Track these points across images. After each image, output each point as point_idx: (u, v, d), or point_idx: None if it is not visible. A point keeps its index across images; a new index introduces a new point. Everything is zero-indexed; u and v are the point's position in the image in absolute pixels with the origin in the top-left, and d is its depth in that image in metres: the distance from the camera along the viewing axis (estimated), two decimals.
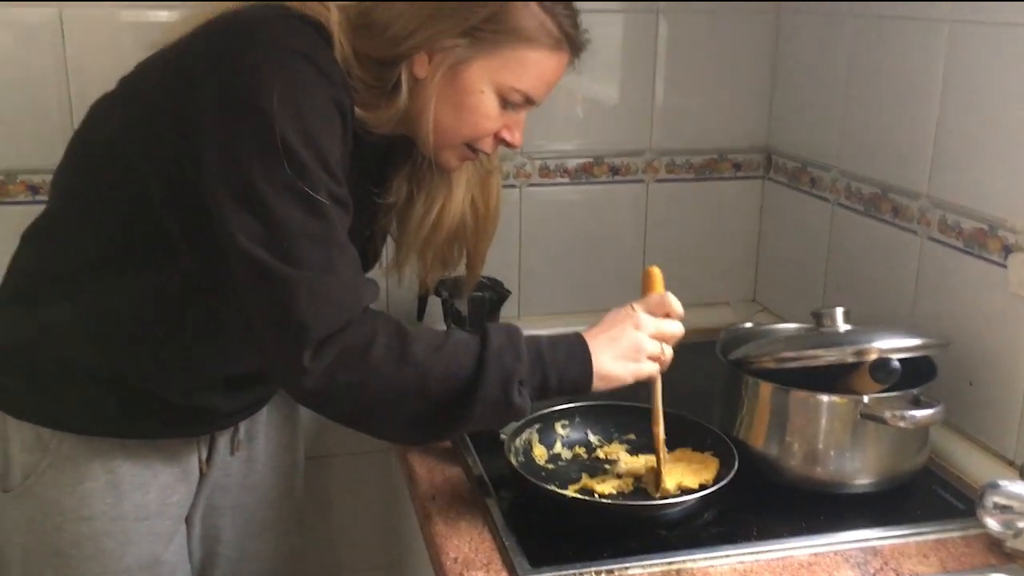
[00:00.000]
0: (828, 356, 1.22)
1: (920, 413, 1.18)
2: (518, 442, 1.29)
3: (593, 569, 1.09)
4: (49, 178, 1.49)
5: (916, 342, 1.24)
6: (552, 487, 1.19)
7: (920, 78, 1.42)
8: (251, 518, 1.43)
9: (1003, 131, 1.28)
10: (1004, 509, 1.03)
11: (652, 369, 1.16)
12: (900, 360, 1.20)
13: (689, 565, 1.11)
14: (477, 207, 1.34)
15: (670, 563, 1.11)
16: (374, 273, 1.39)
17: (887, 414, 1.18)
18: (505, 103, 1.17)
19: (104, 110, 1.18)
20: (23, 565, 1.24)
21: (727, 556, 1.12)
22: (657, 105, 1.78)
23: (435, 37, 1.11)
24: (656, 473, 1.22)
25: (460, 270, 1.52)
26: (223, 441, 1.35)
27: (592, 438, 1.36)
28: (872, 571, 1.11)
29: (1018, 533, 1.05)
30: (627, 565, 1.10)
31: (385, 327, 1.04)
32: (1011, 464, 1.28)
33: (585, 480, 1.26)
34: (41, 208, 1.24)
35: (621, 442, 1.36)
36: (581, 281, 1.83)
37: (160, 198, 1.09)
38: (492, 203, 1.35)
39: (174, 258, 1.11)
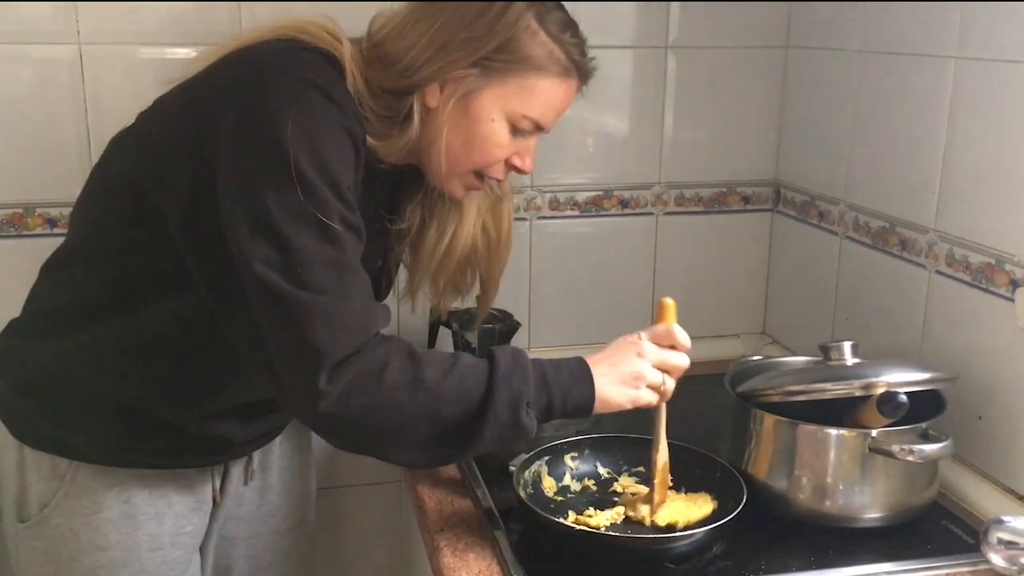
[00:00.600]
0: (836, 390, 1.22)
1: (929, 447, 1.18)
2: (527, 474, 1.29)
3: None
4: (67, 211, 1.53)
5: (924, 376, 1.24)
6: (560, 520, 1.20)
7: (927, 113, 1.43)
8: (264, 549, 1.43)
9: (1010, 166, 1.29)
10: (1009, 545, 1.03)
11: (650, 398, 1.17)
12: (908, 394, 1.20)
13: None
14: (489, 233, 1.36)
15: None
16: (388, 301, 1.41)
17: (895, 448, 1.18)
18: (515, 130, 1.19)
19: (122, 143, 1.20)
20: None
21: None
22: (666, 139, 1.80)
23: (446, 68, 1.14)
24: (650, 500, 1.23)
25: (470, 302, 1.55)
26: (236, 471, 1.36)
27: (601, 470, 1.36)
28: None
29: (1023, 569, 1.05)
30: None
31: (398, 351, 1.06)
32: (1021, 499, 1.28)
33: (577, 514, 1.25)
34: (59, 241, 1.27)
35: (630, 474, 1.36)
36: (591, 313, 1.83)
37: (177, 229, 1.10)
38: (504, 229, 1.37)
39: (190, 289, 1.13)
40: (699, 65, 1.78)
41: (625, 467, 1.37)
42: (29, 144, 1.53)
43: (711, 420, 1.38)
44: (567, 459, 1.36)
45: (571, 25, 1.20)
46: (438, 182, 1.23)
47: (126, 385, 1.19)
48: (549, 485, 1.32)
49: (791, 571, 1.16)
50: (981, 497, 1.32)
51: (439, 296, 1.40)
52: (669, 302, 1.22)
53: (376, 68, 1.15)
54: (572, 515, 1.25)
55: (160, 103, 1.19)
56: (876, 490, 1.23)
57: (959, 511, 1.31)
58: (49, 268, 1.26)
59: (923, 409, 1.24)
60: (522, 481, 1.26)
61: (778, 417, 1.25)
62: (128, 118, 1.22)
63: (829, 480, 1.23)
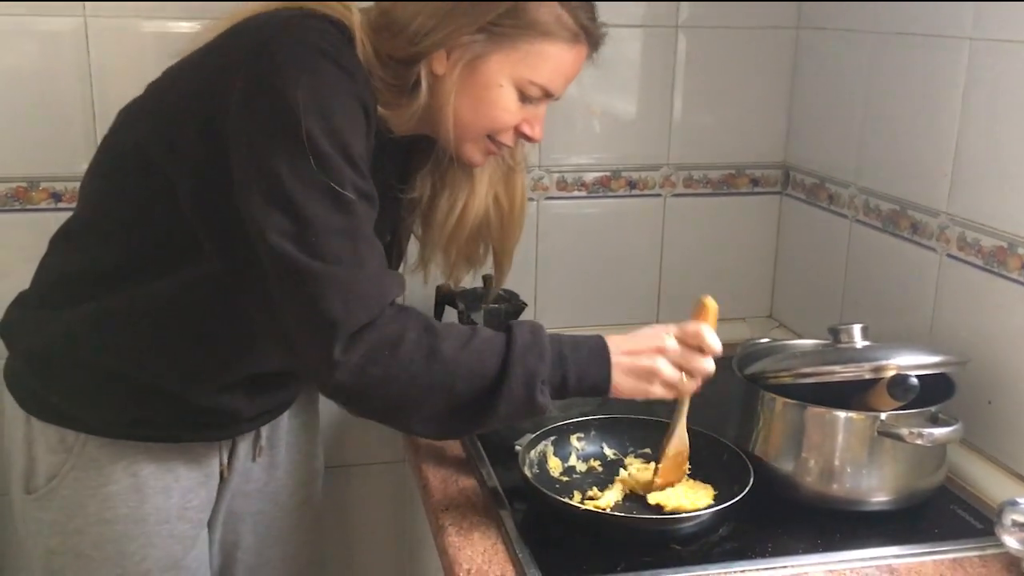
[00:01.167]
0: (845, 372, 1.22)
1: (938, 431, 1.18)
2: (533, 454, 1.29)
3: None
4: (72, 185, 1.53)
5: (934, 359, 1.23)
6: (566, 500, 1.19)
7: (940, 95, 1.42)
8: (271, 525, 1.44)
9: (1023, 149, 1.27)
10: (1023, 527, 1.02)
11: (661, 394, 1.15)
12: (918, 377, 1.19)
13: None
14: (501, 204, 1.35)
15: None
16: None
17: (904, 431, 1.17)
18: (524, 97, 1.18)
19: (132, 115, 1.19)
20: (45, 566, 1.25)
21: (741, 572, 1.12)
22: (675, 120, 1.79)
23: (453, 34, 1.13)
24: (652, 480, 1.23)
25: (477, 281, 1.54)
26: (244, 446, 1.35)
27: (607, 451, 1.36)
28: None
29: None
30: None
31: (415, 323, 1.06)
32: None
33: (583, 495, 1.26)
34: (64, 215, 1.26)
35: (637, 455, 1.35)
36: (597, 294, 1.83)
37: (188, 199, 1.10)
38: (517, 200, 1.36)
39: (200, 259, 1.13)
40: (709, 46, 1.77)
41: (631, 448, 1.36)
42: (34, 118, 1.53)
43: (718, 403, 1.37)
44: (573, 439, 1.35)
45: None
46: (451, 149, 1.22)
47: (135, 355, 1.19)
48: (555, 465, 1.31)
49: (797, 554, 1.16)
50: (990, 482, 1.31)
51: (450, 268, 1.39)
52: (710, 303, 1.19)
53: (384, 36, 1.14)
54: (577, 495, 1.24)
55: (169, 73, 1.18)
56: (884, 473, 1.22)
57: (967, 495, 1.30)
58: (59, 240, 1.26)
59: (932, 393, 1.23)
60: (527, 461, 1.26)
61: (786, 399, 1.25)
62: (133, 91, 1.21)
63: (837, 463, 1.22)
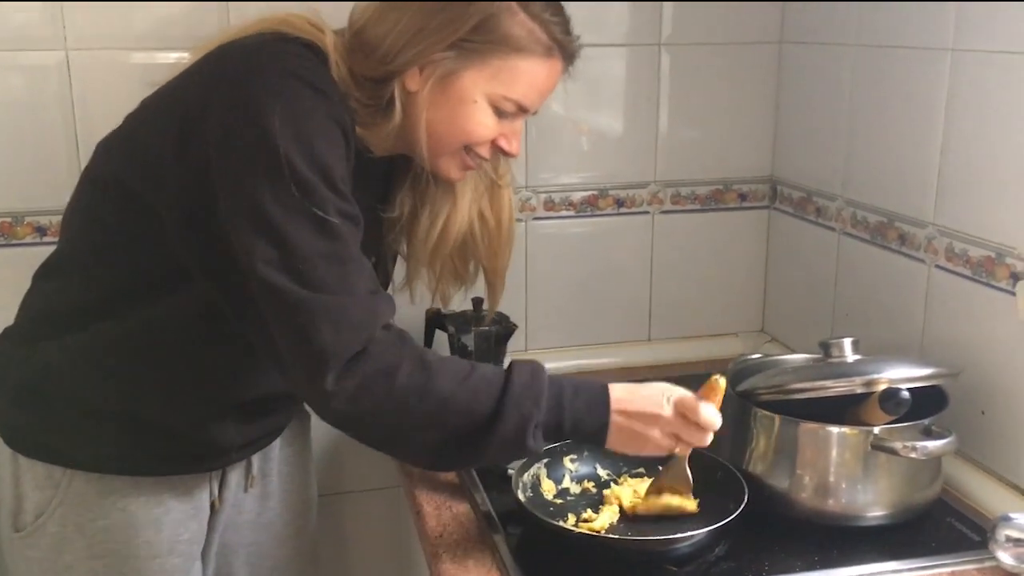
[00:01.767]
0: (837, 387, 1.21)
1: (932, 444, 1.17)
2: (526, 477, 1.28)
3: None
4: (57, 219, 1.52)
5: (926, 372, 1.23)
6: (560, 523, 1.18)
7: (923, 106, 1.42)
8: (265, 556, 1.42)
9: (1008, 158, 1.28)
10: (1017, 542, 1.02)
11: (655, 452, 1.16)
12: (910, 390, 1.19)
13: None
14: (486, 219, 1.34)
15: None
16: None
17: (898, 445, 1.17)
18: (499, 112, 1.18)
19: (110, 147, 1.19)
20: None
21: None
22: (661, 137, 1.79)
23: (424, 52, 1.13)
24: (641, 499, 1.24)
25: (467, 304, 1.53)
26: (235, 477, 1.34)
27: (601, 472, 1.35)
28: None
29: None
30: None
31: (410, 355, 1.06)
32: None
33: (577, 517, 1.25)
34: (50, 249, 1.25)
35: (632, 476, 1.34)
36: (588, 314, 1.82)
37: (176, 229, 1.10)
38: (504, 217, 1.35)
39: (186, 287, 1.12)
40: (693, 62, 1.77)
41: (625, 468, 1.36)
42: (18, 152, 1.52)
43: None
44: (566, 461, 1.35)
45: (553, 4, 1.17)
46: (427, 165, 1.22)
47: (121, 386, 1.18)
48: (548, 488, 1.31)
49: (795, 571, 1.15)
50: (986, 493, 1.31)
51: (436, 283, 1.38)
52: (719, 383, 1.16)
53: (358, 56, 1.14)
54: (572, 518, 1.23)
55: (146, 104, 1.18)
56: (879, 488, 1.22)
57: (964, 508, 1.30)
58: (42, 274, 1.25)
59: (925, 405, 1.22)
60: (521, 484, 1.25)
61: (779, 415, 1.24)
62: (116, 124, 1.21)
63: (832, 479, 1.22)
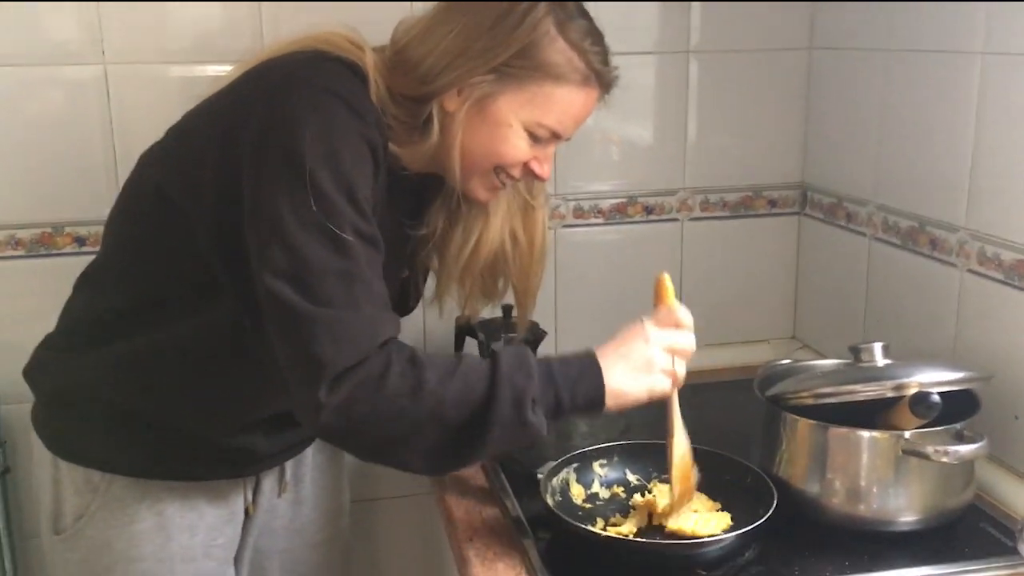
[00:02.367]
0: (867, 391, 1.20)
1: (964, 448, 1.16)
2: (555, 481, 1.28)
3: None
4: (95, 229, 1.55)
5: (957, 375, 1.22)
6: (588, 527, 1.19)
7: (954, 110, 1.41)
8: (299, 561, 1.44)
9: None
10: None
11: (665, 385, 1.14)
12: (941, 394, 1.18)
13: None
14: (518, 239, 1.34)
15: None
16: (416, 307, 1.42)
17: (930, 449, 1.16)
18: (533, 137, 1.18)
19: (152, 158, 1.22)
20: None
21: None
22: (690, 144, 1.79)
23: (465, 75, 1.13)
24: (671, 492, 1.22)
25: (496, 311, 1.54)
26: (268, 483, 1.36)
27: (631, 477, 1.35)
28: None
29: None
30: None
31: (399, 356, 1.05)
32: None
33: (606, 521, 1.25)
34: (88, 258, 1.28)
35: (661, 481, 1.34)
36: (618, 321, 1.78)
37: (206, 240, 1.12)
38: (536, 237, 1.35)
39: (219, 300, 1.14)
40: (722, 69, 1.77)
41: (655, 474, 1.35)
42: (58, 164, 1.56)
43: (741, 426, 1.37)
44: (596, 466, 1.35)
45: (594, 33, 1.18)
46: (458, 185, 1.23)
47: (156, 396, 1.20)
48: (577, 492, 1.31)
49: None
50: (1019, 498, 1.29)
51: (465, 299, 1.39)
52: (665, 278, 1.20)
53: (398, 75, 1.16)
54: (600, 522, 1.24)
55: (187, 117, 1.21)
56: (911, 493, 1.21)
57: (996, 513, 1.28)
58: (82, 283, 1.28)
59: (957, 410, 1.22)
60: (549, 488, 1.26)
61: (809, 420, 1.24)
62: (154, 136, 1.23)
63: (863, 483, 1.21)
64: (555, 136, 1.19)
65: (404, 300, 1.39)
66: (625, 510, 1.28)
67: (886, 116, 1.59)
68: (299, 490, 1.42)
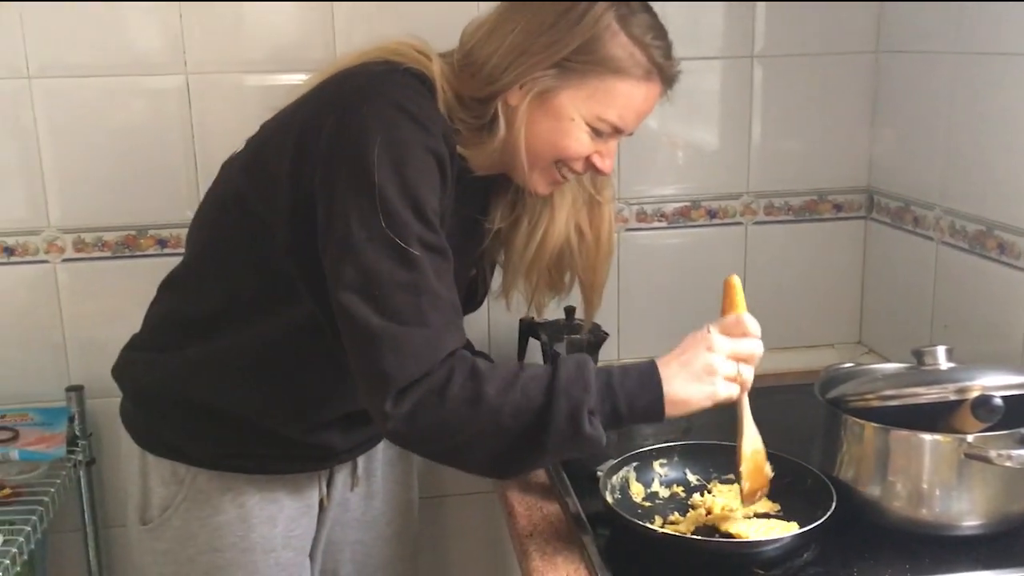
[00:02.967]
0: (929, 394, 1.19)
1: None
2: (615, 479, 1.30)
3: None
4: (176, 232, 1.62)
5: (1020, 379, 1.20)
6: (646, 524, 1.20)
7: (1022, 113, 1.40)
8: (369, 554, 1.48)
9: None
10: None
11: (730, 391, 1.13)
12: (1005, 398, 1.17)
13: None
14: (584, 233, 1.36)
15: None
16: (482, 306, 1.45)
17: (992, 454, 1.15)
18: (595, 131, 1.19)
19: (233, 167, 1.26)
20: None
21: None
22: (754, 148, 1.80)
23: (528, 71, 1.15)
24: (740, 491, 1.22)
25: (559, 312, 1.57)
26: (342, 477, 1.41)
27: (691, 477, 1.36)
28: None
29: None
30: None
31: (460, 369, 1.07)
32: None
33: (664, 520, 1.26)
34: (169, 260, 1.34)
35: (721, 482, 1.35)
36: (680, 324, 1.79)
37: (283, 247, 1.16)
38: (603, 232, 1.36)
39: (297, 304, 1.18)
40: (787, 73, 1.78)
41: (715, 474, 1.36)
42: (141, 170, 1.63)
43: (803, 429, 1.37)
44: (656, 465, 1.36)
45: (656, 27, 1.18)
46: (521, 179, 1.24)
47: (237, 396, 1.25)
48: (637, 491, 1.33)
49: None
50: None
51: (532, 292, 1.40)
52: (735, 281, 1.19)
53: (465, 77, 1.19)
54: (659, 520, 1.25)
55: (265, 128, 1.25)
56: (973, 497, 1.20)
57: None
58: (167, 286, 1.33)
59: (1023, 414, 1.20)
60: (609, 486, 1.28)
61: (870, 423, 1.23)
62: (232, 143, 1.29)
63: (924, 487, 1.20)
64: (616, 130, 1.20)
65: (472, 295, 1.43)
66: (684, 509, 1.29)
67: (953, 119, 1.58)
68: (370, 484, 1.46)
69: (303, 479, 1.34)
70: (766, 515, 1.26)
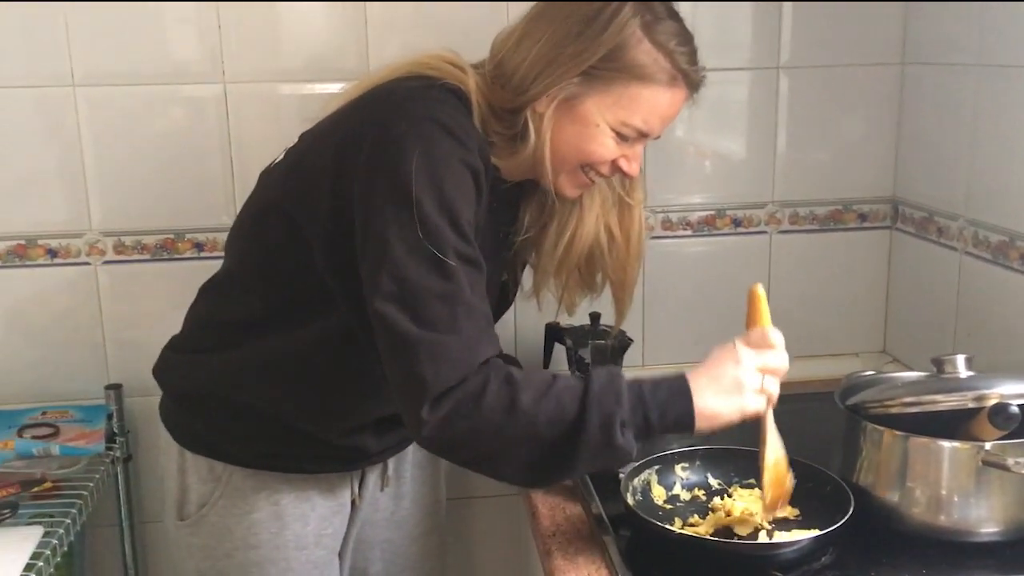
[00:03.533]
0: (947, 401, 1.21)
1: None
2: (636, 482, 1.32)
3: None
4: (213, 236, 1.66)
5: None
6: (665, 525, 1.22)
7: None
8: (398, 553, 1.51)
9: None
10: None
11: (758, 405, 1.15)
12: (1023, 406, 1.18)
13: None
14: (614, 234, 1.38)
15: None
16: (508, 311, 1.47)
17: (1010, 461, 1.16)
18: (620, 136, 1.22)
19: (272, 179, 1.29)
20: None
21: None
22: (779, 158, 1.82)
23: (556, 80, 1.18)
24: (762, 500, 1.24)
25: (584, 318, 1.59)
26: (372, 477, 1.44)
27: (712, 481, 1.38)
28: None
29: None
30: None
31: (496, 375, 1.08)
32: None
33: (684, 522, 1.28)
34: (206, 263, 1.38)
35: (742, 486, 1.37)
36: (704, 331, 1.85)
37: (322, 257, 1.19)
38: (633, 233, 1.38)
39: (334, 312, 1.21)
40: (812, 84, 1.79)
41: (736, 478, 1.38)
42: (180, 176, 1.67)
43: (823, 436, 1.38)
44: (678, 469, 1.38)
45: (681, 33, 1.20)
46: (548, 183, 1.26)
47: (273, 398, 1.28)
48: (658, 494, 1.35)
49: None
50: None
51: (562, 292, 1.42)
52: (759, 292, 1.21)
53: (496, 89, 1.21)
54: (679, 522, 1.27)
55: (304, 139, 1.28)
56: (992, 504, 1.21)
57: None
58: (207, 290, 1.37)
59: None
60: (630, 488, 1.30)
61: (889, 429, 1.25)
62: (268, 150, 1.33)
63: (943, 493, 1.21)
64: (642, 135, 1.22)
65: (504, 296, 1.45)
66: (705, 512, 1.31)
67: (978, 131, 1.59)
68: (400, 485, 1.49)
69: (335, 479, 1.37)
70: (785, 519, 1.28)
